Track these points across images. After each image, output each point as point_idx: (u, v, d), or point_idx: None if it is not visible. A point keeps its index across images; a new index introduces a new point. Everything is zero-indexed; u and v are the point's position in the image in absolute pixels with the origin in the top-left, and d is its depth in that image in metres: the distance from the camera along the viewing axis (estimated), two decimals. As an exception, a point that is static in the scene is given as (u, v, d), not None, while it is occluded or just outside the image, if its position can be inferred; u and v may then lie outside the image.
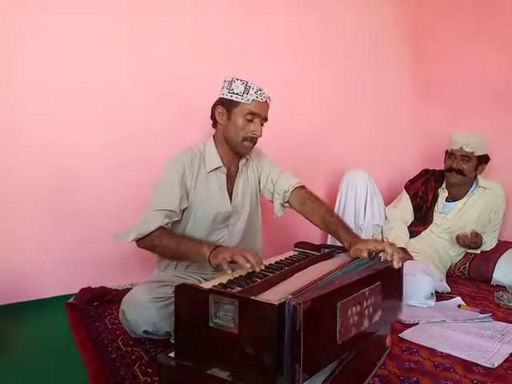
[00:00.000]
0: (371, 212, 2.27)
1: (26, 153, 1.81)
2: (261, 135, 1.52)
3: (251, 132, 1.49)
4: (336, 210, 2.30)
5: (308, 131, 2.55)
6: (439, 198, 2.27)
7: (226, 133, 1.52)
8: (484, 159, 2.19)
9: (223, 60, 2.19)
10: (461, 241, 2.13)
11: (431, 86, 2.91)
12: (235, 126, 1.49)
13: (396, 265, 1.20)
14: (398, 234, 2.15)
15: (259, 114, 1.49)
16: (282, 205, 1.66)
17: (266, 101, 1.50)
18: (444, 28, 2.79)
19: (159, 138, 2.05)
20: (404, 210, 2.31)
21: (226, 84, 1.50)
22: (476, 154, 2.14)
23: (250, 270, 1.13)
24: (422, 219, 2.26)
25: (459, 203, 2.23)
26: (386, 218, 2.31)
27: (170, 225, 1.43)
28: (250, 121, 1.48)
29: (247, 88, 1.46)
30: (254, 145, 1.54)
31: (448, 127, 2.54)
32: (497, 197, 2.24)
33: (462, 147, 2.15)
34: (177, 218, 1.47)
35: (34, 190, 1.83)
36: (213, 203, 1.54)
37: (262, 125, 1.53)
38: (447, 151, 2.25)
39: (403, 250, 1.98)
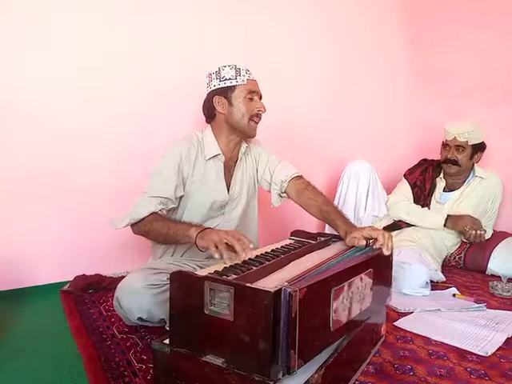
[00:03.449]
0: (372, 204, 2.26)
1: (25, 141, 1.80)
2: (265, 110, 1.53)
3: (256, 109, 1.50)
4: (337, 200, 2.29)
5: (307, 122, 2.53)
6: (437, 188, 2.27)
7: (232, 119, 1.51)
8: (479, 148, 2.17)
9: (223, 53, 2.15)
10: (467, 236, 2.08)
11: (429, 76, 2.88)
12: (239, 109, 1.49)
13: (386, 251, 1.21)
14: (432, 215, 2.17)
15: (257, 91, 1.52)
16: (280, 195, 1.65)
17: (254, 78, 1.53)
18: (441, 17, 2.75)
19: (157, 127, 2.04)
20: (406, 194, 2.30)
21: (214, 75, 1.50)
22: (470, 143, 2.12)
23: (236, 260, 1.12)
24: (419, 208, 2.26)
25: (456, 193, 2.23)
26: (387, 209, 2.30)
27: (164, 211, 1.42)
28: (251, 99, 1.50)
29: (238, 70, 1.48)
30: (259, 121, 1.54)
31: (446, 117, 2.53)
32: (493, 187, 2.23)
33: (455, 137, 2.13)
34: (172, 206, 1.46)
35: (30, 177, 1.82)
36: (210, 191, 1.53)
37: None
38: (443, 142, 2.24)
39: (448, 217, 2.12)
